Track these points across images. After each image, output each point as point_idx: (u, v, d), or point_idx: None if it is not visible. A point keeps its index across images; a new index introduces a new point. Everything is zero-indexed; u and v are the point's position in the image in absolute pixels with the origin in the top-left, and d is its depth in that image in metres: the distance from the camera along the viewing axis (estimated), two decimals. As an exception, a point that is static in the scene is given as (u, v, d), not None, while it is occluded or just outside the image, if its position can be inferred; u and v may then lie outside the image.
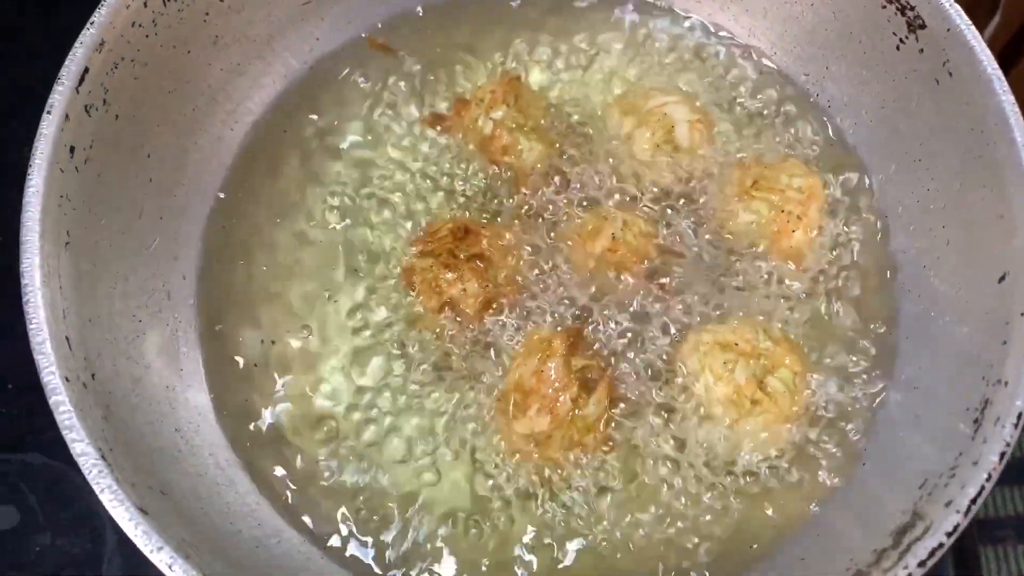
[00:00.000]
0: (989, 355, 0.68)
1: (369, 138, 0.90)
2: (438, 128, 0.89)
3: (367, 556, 0.75)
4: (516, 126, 0.84)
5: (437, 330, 0.81)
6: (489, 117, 0.84)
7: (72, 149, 0.70)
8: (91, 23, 0.72)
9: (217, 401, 0.79)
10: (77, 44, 0.71)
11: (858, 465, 0.76)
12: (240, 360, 0.81)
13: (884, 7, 0.80)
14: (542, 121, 0.86)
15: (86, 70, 0.71)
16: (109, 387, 0.68)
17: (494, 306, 0.80)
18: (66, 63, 0.70)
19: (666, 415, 0.77)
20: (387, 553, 0.75)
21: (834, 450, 0.76)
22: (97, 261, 0.73)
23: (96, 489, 0.59)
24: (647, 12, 0.95)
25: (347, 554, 0.75)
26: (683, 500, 0.75)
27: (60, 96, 0.69)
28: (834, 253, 0.83)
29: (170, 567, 0.57)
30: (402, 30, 0.95)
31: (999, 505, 1.71)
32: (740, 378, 0.73)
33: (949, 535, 0.60)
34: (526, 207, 0.84)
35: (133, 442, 0.68)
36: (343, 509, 0.76)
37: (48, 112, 0.68)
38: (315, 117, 0.91)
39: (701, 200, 0.84)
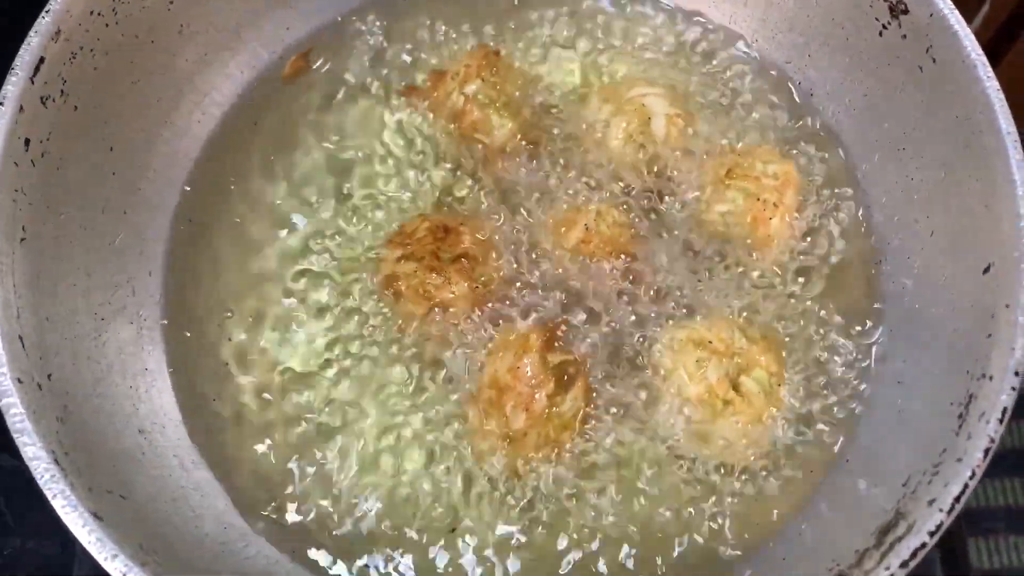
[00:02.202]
0: (974, 349, 0.66)
1: (341, 127, 0.88)
2: (413, 100, 0.87)
3: (336, 559, 0.72)
4: (488, 101, 0.82)
5: (410, 325, 0.78)
6: (462, 92, 0.82)
7: (27, 142, 0.68)
8: (46, 11, 0.70)
9: (183, 401, 0.77)
10: (31, 33, 0.69)
11: (841, 463, 0.74)
12: (208, 359, 0.79)
13: (867, -8, 0.78)
14: (516, 95, 0.84)
15: (41, 60, 0.69)
16: (67, 388, 0.66)
17: (477, 304, 0.78)
18: (20, 53, 0.68)
19: (641, 413, 0.75)
20: (358, 557, 0.73)
21: (816, 448, 0.75)
22: (56, 257, 0.71)
23: (48, 495, 0.57)
24: (628, -1, 0.93)
25: (315, 558, 0.73)
26: (660, 500, 0.73)
27: (13, 87, 0.67)
28: (815, 243, 0.82)
29: (124, 575, 0.55)
30: (380, 13, 0.93)
31: (990, 496, 1.70)
32: (712, 377, 0.71)
33: (932, 534, 0.58)
34: (498, 193, 0.83)
35: (92, 445, 0.66)
36: (313, 511, 0.74)
37: (0, 103, 0.66)
38: (285, 108, 0.88)
39: (677, 190, 0.82)
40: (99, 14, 0.73)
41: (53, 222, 0.71)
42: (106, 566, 0.56)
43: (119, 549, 0.56)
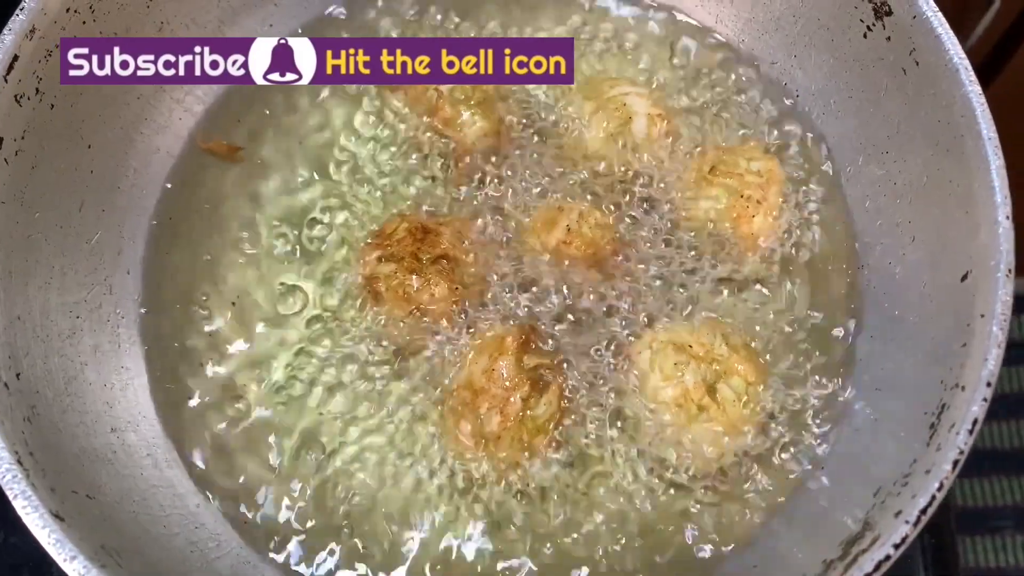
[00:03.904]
0: (949, 358, 0.65)
1: (323, 124, 0.87)
2: (392, 97, 0.87)
3: (307, 560, 0.72)
4: (464, 98, 0.82)
5: (389, 326, 0.78)
6: (436, 88, 0.82)
7: (0, 140, 0.68)
8: (21, 8, 0.69)
9: (159, 398, 0.77)
10: (5, 31, 0.68)
11: (816, 471, 0.73)
12: (186, 356, 0.79)
13: (851, -8, 0.77)
14: (493, 91, 0.84)
15: (15, 58, 0.68)
16: (37, 387, 0.66)
17: (456, 305, 0.77)
18: (-8, 51, 0.68)
19: (617, 416, 0.74)
20: (332, 557, 0.73)
21: (791, 456, 0.74)
22: (29, 257, 0.71)
23: (9, 495, 0.57)
24: (613, -3, 0.92)
25: (289, 559, 0.72)
26: (631, 505, 0.72)
27: (-15, 85, 0.67)
28: (798, 247, 0.81)
29: (82, 577, 0.56)
30: (363, 11, 0.92)
31: (998, 494, 1.69)
32: (688, 381, 0.70)
33: (897, 547, 0.57)
34: (475, 193, 0.82)
35: (61, 444, 0.66)
36: (287, 512, 0.74)
37: (-28, 102, 0.66)
38: (269, 104, 0.88)
39: (659, 189, 0.81)
40: (75, 12, 0.73)
41: (27, 221, 0.71)
42: (65, 567, 0.56)
43: (78, 550, 0.56)
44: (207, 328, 0.80)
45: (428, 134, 0.85)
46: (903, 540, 0.57)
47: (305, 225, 0.83)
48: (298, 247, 0.82)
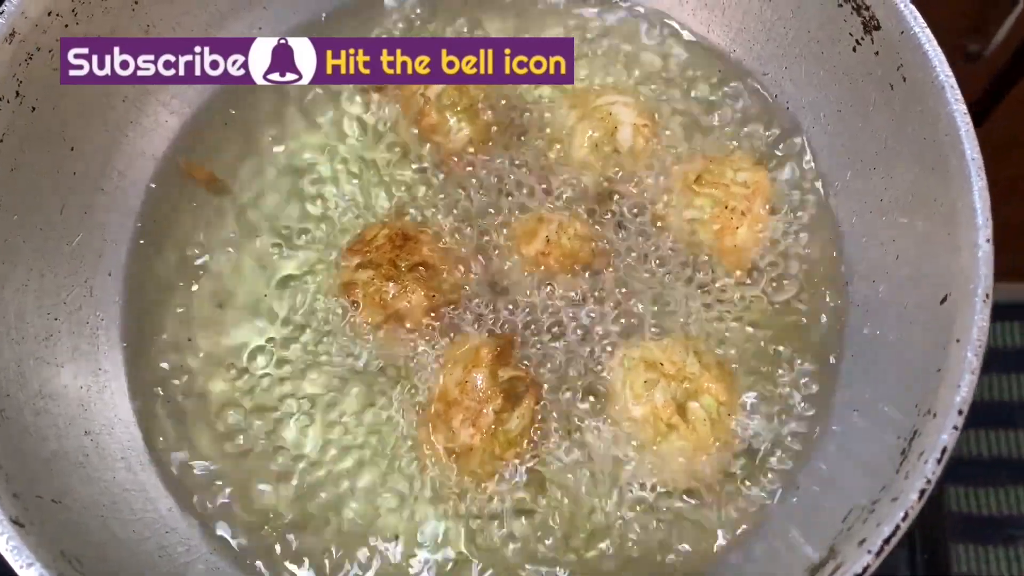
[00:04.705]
0: (924, 382, 0.64)
1: (309, 129, 0.87)
2: (380, 100, 0.87)
3: (279, 569, 0.72)
4: (450, 104, 0.81)
5: (366, 334, 0.78)
6: (423, 94, 0.81)
7: (-23, 144, 0.68)
8: (0, 12, 0.69)
9: (137, 401, 0.77)
10: (-16, 35, 0.69)
11: (791, 492, 0.72)
12: (167, 358, 0.79)
13: (841, 5, 0.76)
14: (481, 98, 0.83)
15: (-6, 61, 0.69)
16: (8, 390, 0.67)
17: (433, 314, 0.77)
18: (-30, 54, 0.68)
19: (587, 432, 0.73)
20: (299, 565, 0.73)
21: (762, 477, 0.73)
22: (7, 260, 0.71)
23: (-34, 500, 0.58)
24: (604, 5, 0.91)
25: (260, 565, 0.73)
26: (595, 521, 0.72)
27: (-36, 89, 0.67)
28: (782, 261, 0.80)
29: (38, 585, 0.56)
30: (353, 15, 0.91)
31: (1012, 503, 1.67)
32: (658, 400, 0.69)
33: (858, 576, 0.56)
34: (459, 200, 0.82)
35: (29, 448, 0.66)
36: (259, 517, 0.74)
37: (-49, 105, 0.66)
38: (256, 107, 0.88)
39: (643, 199, 0.81)
40: (57, 15, 0.73)
41: (5, 224, 0.71)
42: (21, 574, 0.56)
43: (35, 557, 0.56)
44: (188, 331, 0.80)
45: (414, 140, 0.84)
46: (864, 570, 0.56)
47: (289, 228, 0.83)
48: (282, 250, 0.82)
